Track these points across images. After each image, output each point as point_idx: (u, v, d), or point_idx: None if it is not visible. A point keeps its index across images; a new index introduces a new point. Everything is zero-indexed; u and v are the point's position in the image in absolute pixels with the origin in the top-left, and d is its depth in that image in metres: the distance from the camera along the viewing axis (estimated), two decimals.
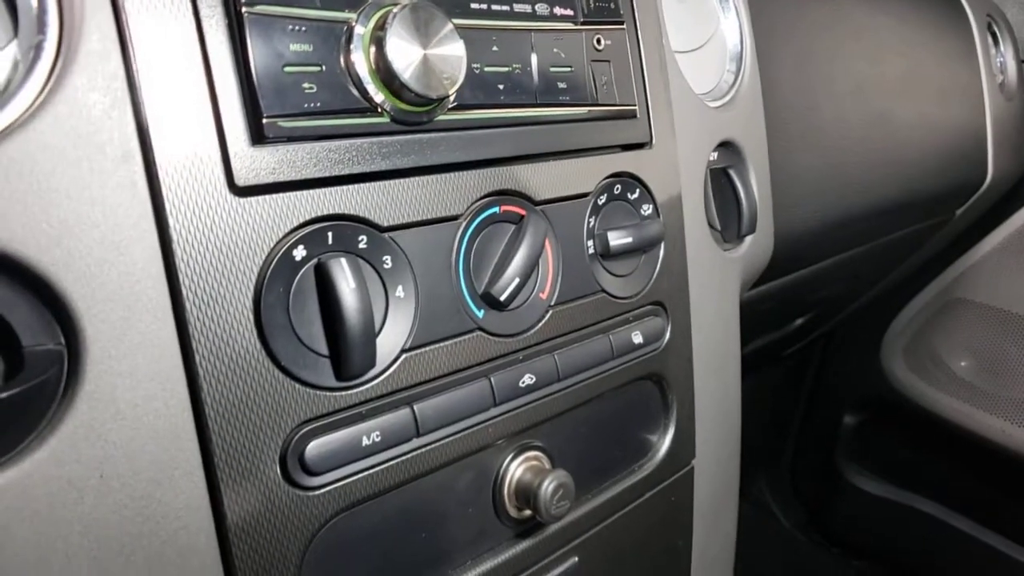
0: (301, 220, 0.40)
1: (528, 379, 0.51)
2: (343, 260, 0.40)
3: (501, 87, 0.49)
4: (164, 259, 0.36)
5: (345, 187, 0.42)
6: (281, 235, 0.40)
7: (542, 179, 0.52)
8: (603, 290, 0.57)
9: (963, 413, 1.38)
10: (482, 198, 0.49)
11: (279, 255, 0.39)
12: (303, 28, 0.40)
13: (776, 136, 0.82)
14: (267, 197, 0.39)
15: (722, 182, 0.73)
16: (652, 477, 0.64)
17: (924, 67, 1.18)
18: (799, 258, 1.01)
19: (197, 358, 0.37)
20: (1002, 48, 1.40)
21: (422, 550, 0.49)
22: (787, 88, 0.88)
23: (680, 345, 0.64)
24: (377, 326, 0.43)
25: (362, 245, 0.43)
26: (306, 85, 0.40)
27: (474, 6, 0.47)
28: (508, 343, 0.51)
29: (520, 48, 0.50)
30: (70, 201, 0.33)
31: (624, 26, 0.58)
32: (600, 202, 0.57)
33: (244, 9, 0.38)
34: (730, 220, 0.74)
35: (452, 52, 0.44)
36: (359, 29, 0.41)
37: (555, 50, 0.52)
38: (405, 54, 0.41)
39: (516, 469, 0.53)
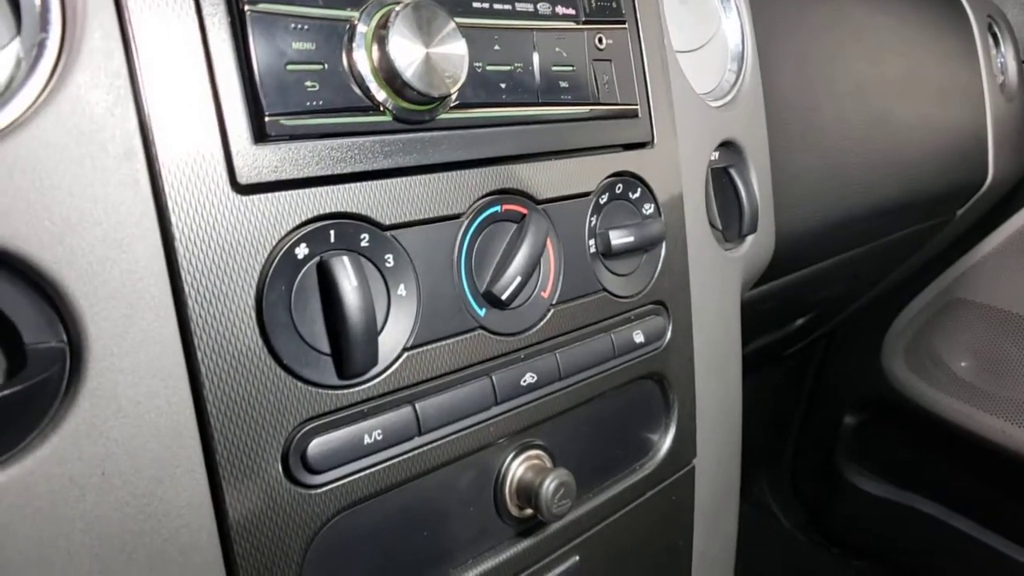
0: (303, 218, 0.40)
1: (529, 378, 0.51)
2: (345, 258, 0.40)
3: (503, 86, 0.49)
4: (166, 257, 0.36)
5: (347, 185, 0.42)
6: (283, 233, 0.40)
7: (544, 178, 0.52)
8: (604, 289, 0.57)
9: (963, 413, 1.38)
10: (484, 197, 0.49)
11: (281, 253, 0.40)
12: (305, 26, 0.40)
13: (776, 136, 0.82)
14: (269, 195, 0.39)
15: (723, 182, 0.73)
16: (653, 476, 0.64)
17: (924, 67, 1.18)
18: (800, 258, 1.01)
19: (199, 356, 0.37)
20: (1002, 48, 1.40)
21: (423, 549, 0.49)
22: (787, 88, 0.88)
23: (681, 344, 0.64)
24: (379, 324, 0.43)
25: (364, 243, 0.43)
26: (308, 83, 0.40)
27: (476, 5, 0.47)
28: (509, 342, 0.51)
29: (522, 47, 0.50)
30: (72, 199, 0.33)
31: (626, 25, 0.58)
32: (601, 201, 0.57)
33: (246, 7, 0.38)
34: (731, 220, 0.74)
35: (454, 51, 0.44)
36: (361, 27, 0.41)
37: (557, 49, 0.52)
38: (407, 53, 0.41)
39: (517, 468, 0.53)
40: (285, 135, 0.39)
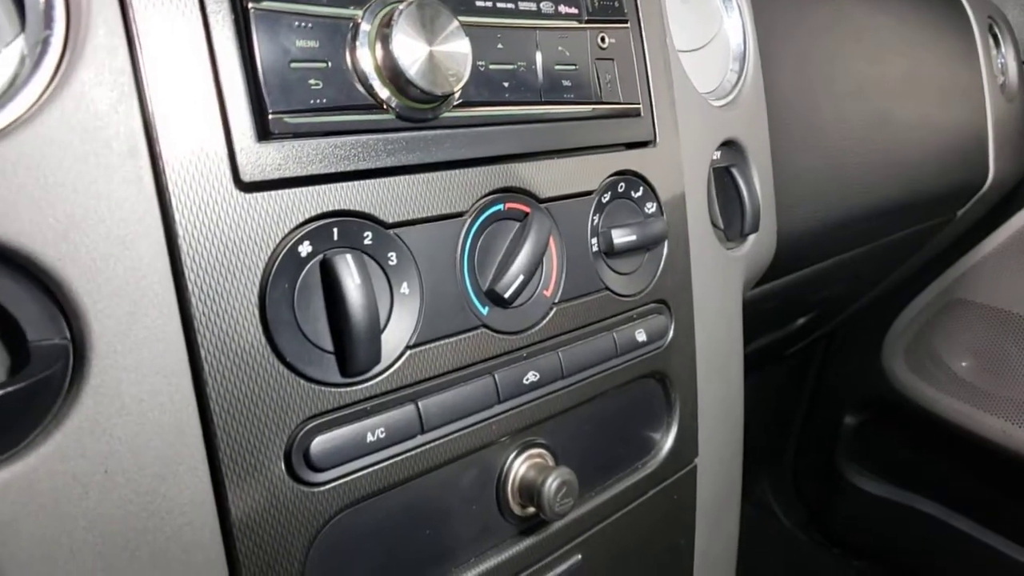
0: (306, 216, 0.40)
1: (532, 376, 0.51)
2: (348, 256, 0.40)
3: (506, 84, 0.49)
4: (170, 254, 0.36)
5: (350, 183, 0.42)
6: (286, 231, 0.40)
7: (546, 177, 0.52)
8: (607, 288, 0.57)
9: (963, 413, 1.38)
10: (487, 195, 0.49)
11: (284, 251, 0.39)
12: (309, 24, 0.40)
13: (777, 136, 0.82)
14: (273, 193, 0.39)
15: (725, 181, 0.73)
16: (655, 475, 0.64)
17: (925, 68, 1.18)
18: (800, 258, 1.01)
19: (202, 353, 0.37)
20: (1003, 49, 1.40)
21: (426, 547, 0.49)
22: (788, 88, 0.88)
23: (683, 343, 0.64)
24: (382, 322, 0.43)
25: (367, 241, 0.43)
26: (312, 81, 0.40)
27: (479, 3, 0.48)
28: (512, 340, 0.51)
29: (525, 46, 0.50)
30: (76, 196, 0.33)
31: (628, 25, 0.58)
32: (604, 200, 0.57)
33: (250, 5, 0.38)
34: (733, 219, 0.74)
35: (458, 49, 0.44)
36: (365, 26, 0.41)
37: (559, 48, 0.52)
38: (411, 51, 0.41)
39: (520, 466, 0.53)
40: (288, 133, 0.39)
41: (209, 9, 0.37)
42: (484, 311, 0.49)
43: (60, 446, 0.33)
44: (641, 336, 0.59)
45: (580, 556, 0.58)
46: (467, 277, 0.48)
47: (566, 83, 0.53)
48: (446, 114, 0.46)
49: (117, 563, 0.35)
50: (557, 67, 0.52)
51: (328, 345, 0.41)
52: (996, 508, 1.45)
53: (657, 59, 0.61)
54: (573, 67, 0.53)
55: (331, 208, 0.41)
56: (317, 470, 0.41)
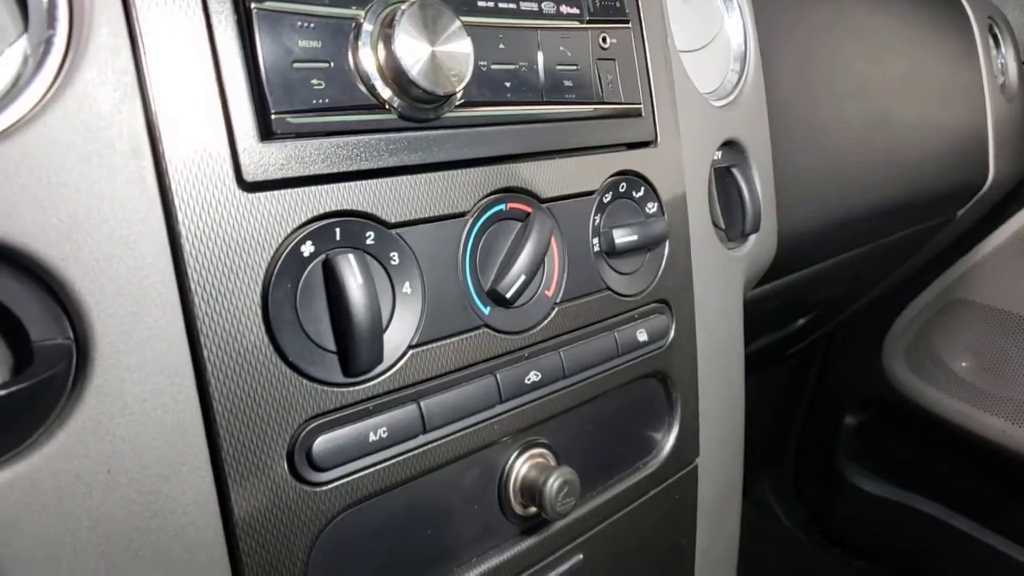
0: (309, 216, 0.40)
1: (534, 376, 0.51)
2: (351, 256, 0.40)
3: (508, 85, 0.49)
4: (173, 254, 0.36)
5: (353, 183, 0.42)
6: (289, 231, 0.40)
7: (548, 177, 0.52)
8: (608, 288, 0.57)
9: (963, 413, 1.38)
10: (488, 195, 0.49)
11: (287, 251, 0.40)
12: (312, 24, 0.40)
13: (777, 136, 0.82)
14: (275, 193, 0.39)
15: (726, 181, 0.73)
16: (656, 475, 0.64)
17: (925, 68, 1.18)
18: (801, 258, 1.01)
19: (205, 353, 0.37)
20: (1003, 49, 1.40)
21: (428, 546, 0.49)
22: (788, 88, 0.88)
23: (684, 343, 0.65)
24: (384, 322, 0.43)
25: (369, 241, 0.43)
26: (314, 81, 0.40)
27: (481, 4, 0.48)
28: (514, 340, 0.51)
29: (526, 46, 0.50)
30: (79, 196, 0.33)
31: (629, 25, 0.58)
32: (605, 200, 0.57)
33: (253, 5, 0.38)
34: (734, 219, 0.74)
35: (460, 49, 0.44)
36: (367, 26, 0.42)
37: (561, 48, 0.52)
38: (413, 51, 0.41)
39: (521, 466, 0.53)
40: (291, 133, 0.39)
41: (212, 9, 0.37)
42: (486, 311, 0.49)
43: (63, 446, 0.33)
44: (642, 336, 0.59)
45: (582, 556, 0.58)
46: (469, 277, 0.48)
47: (567, 83, 0.53)
48: (448, 114, 0.46)
49: (120, 563, 0.35)
50: (559, 67, 0.52)
51: (330, 345, 0.41)
52: (996, 508, 1.45)
53: (658, 59, 0.62)
54: (574, 67, 0.54)
55: (333, 208, 0.41)
56: (319, 470, 0.41)
